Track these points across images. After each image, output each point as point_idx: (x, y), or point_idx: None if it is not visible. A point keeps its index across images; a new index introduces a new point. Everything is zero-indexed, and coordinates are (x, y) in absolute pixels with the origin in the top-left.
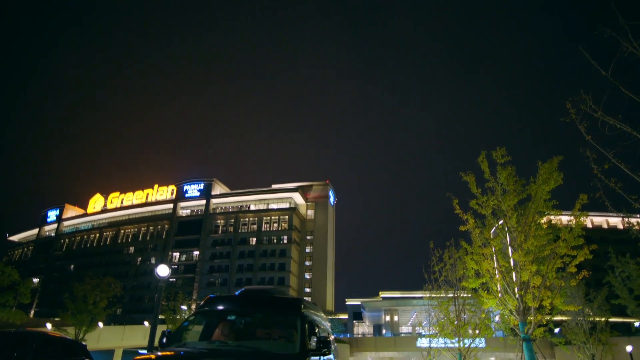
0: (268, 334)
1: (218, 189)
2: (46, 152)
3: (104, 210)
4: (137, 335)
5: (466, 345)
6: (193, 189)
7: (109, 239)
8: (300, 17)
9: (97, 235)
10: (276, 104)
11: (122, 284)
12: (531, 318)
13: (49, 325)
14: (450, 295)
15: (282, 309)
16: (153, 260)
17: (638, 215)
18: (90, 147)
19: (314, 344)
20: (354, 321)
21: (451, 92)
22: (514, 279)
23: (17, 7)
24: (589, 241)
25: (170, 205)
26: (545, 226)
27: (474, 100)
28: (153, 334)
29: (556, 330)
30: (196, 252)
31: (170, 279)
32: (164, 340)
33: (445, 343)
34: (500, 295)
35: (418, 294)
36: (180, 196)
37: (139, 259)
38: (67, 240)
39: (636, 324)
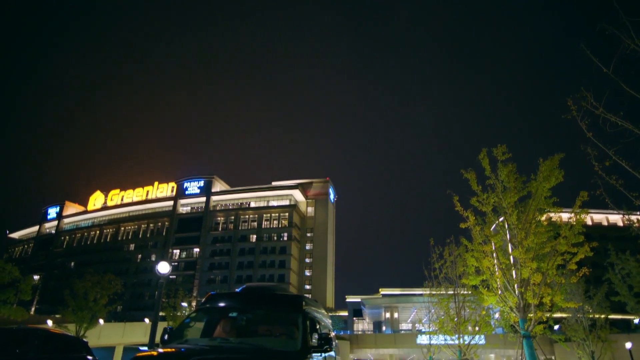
0: (270, 331)
1: (218, 186)
2: (46, 150)
3: (104, 208)
4: (137, 332)
5: (466, 342)
6: (193, 186)
7: (109, 236)
8: (300, 16)
9: (98, 232)
10: (276, 102)
11: (122, 281)
12: (531, 315)
13: (49, 322)
14: (451, 292)
15: (283, 306)
16: (153, 258)
17: (638, 213)
18: (90, 144)
19: (315, 340)
20: (354, 318)
21: (451, 90)
22: (514, 276)
23: (17, 6)
24: (589, 238)
25: (171, 203)
26: (545, 223)
27: (473, 99)
28: (154, 330)
29: (556, 327)
30: (196, 249)
31: (171, 276)
32: (166, 337)
33: (445, 340)
34: (500, 292)
35: (418, 291)
36: (181, 193)
37: (139, 256)
38: (67, 237)
39: (636, 321)
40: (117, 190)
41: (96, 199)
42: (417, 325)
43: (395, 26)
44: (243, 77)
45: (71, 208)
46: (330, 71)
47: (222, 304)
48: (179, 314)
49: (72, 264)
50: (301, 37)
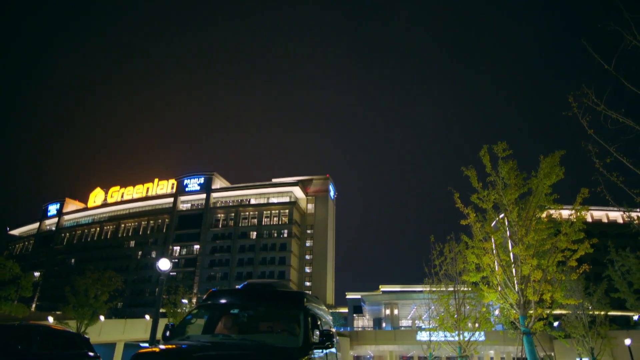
0: (271, 327)
1: (218, 182)
2: (47, 147)
3: (105, 205)
4: (138, 329)
5: (466, 339)
6: (193, 183)
7: (109, 233)
8: (300, 15)
9: (98, 229)
10: (276, 102)
11: (122, 277)
12: (531, 312)
13: (50, 319)
14: (451, 289)
15: (285, 302)
16: (154, 254)
17: (639, 210)
18: (90, 141)
19: (317, 337)
20: (354, 315)
21: (451, 90)
22: (515, 273)
23: (18, 5)
24: (589, 235)
25: (171, 199)
26: (546, 220)
27: (473, 98)
28: (155, 327)
29: (555, 323)
30: (197, 246)
31: (171, 273)
32: (167, 333)
33: (445, 336)
34: (500, 289)
35: (418, 288)
36: (181, 190)
37: (140, 252)
38: (67, 234)
39: (635, 318)
40: (117, 187)
41: (96, 196)
42: (417, 322)
43: (395, 26)
44: (243, 76)
45: (71, 205)
46: (330, 71)
47: (223, 301)
48: (179, 310)
49: (73, 260)
50: (301, 37)
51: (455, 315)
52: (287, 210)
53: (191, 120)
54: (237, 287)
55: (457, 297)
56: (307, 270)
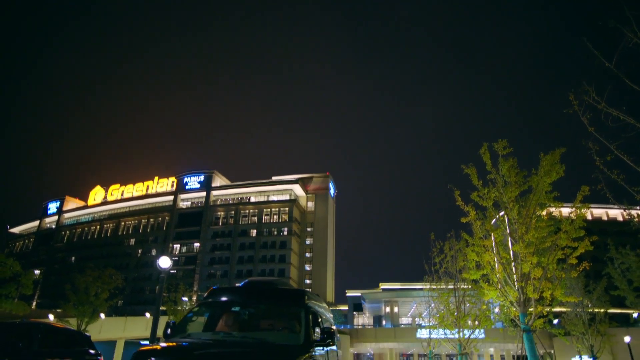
0: (272, 325)
1: (218, 180)
2: (47, 145)
3: (105, 202)
4: (138, 327)
5: (466, 336)
6: (193, 181)
7: (109, 231)
8: (300, 14)
9: (98, 227)
10: (276, 101)
11: (123, 275)
12: (532, 309)
13: (51, 317)
14: (451, 286)
15: (286, 300)
16: (154, 252)
17: (639, 207)
18: (90, 139)
19: (318, 334)
20: (354, 312)
21: (451, 89)
22: (515, 270)
23: (18, 3)
24: (589, 233)
25: (171, 197)
26: (546, 218)
27: (473, 97)
28: (155, 325)
29: (555, 321)
30: (197, 244)
31: (171, 271)
32: (168, 331)
33: (445, 334)
34: (500, 286)
35: (418, 286)
36: (181, 188)
37: (140, 250)
38: (67, 232)
39: (634, 315)
40: (117, 185)
41: (96, 194)
42: (417, 319)
43: (395, 26)
44: (243, 75)
45: (71, 203)
46: (330, 71)
47: (224, 298)
48: (179, 308)
49: (73, 258)
50: (301, 34)
51: (455, 313)
52: (287, 208)
53: (191, 119)
54: (237, 285)
55: (457, 295)
56: (307, 268)
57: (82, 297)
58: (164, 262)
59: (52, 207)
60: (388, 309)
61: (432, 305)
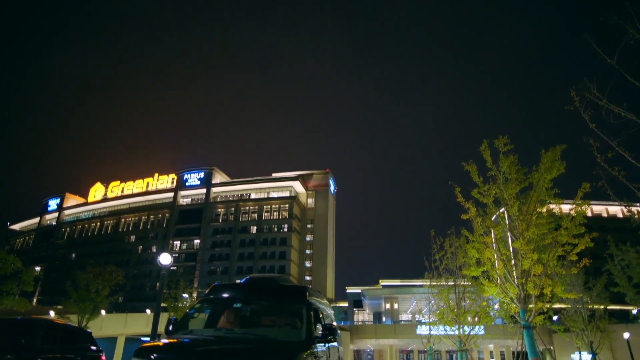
0: (274, 322)
1: (218, 177)
2: (47, 142)
3: (105, 199)
4: (139, 323)
5: (466, 333)
6: (193, 178)
7: (109, 228)
8: (300, 13)
9: (98, 224)
10: (276, 99)
11: (123, 272)
12: (532, 306)
13: (52, 313)
14: (451, 283)
15: (287, 296)
16: (154, 249)
17: (639, 204)
18: (90, 136)
19: (319, 331)
20: (354, 309)
21: (450, 87)
22: (515, 267)
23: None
24: (589, 229)
25: (171, 194)
26: (546, 214)
27: (473, 97)
28: (156, 321)
29: (555, 317)
30: (197, 241)
31: (172, 268)
32: (170, 327)
33: (445, 330)
34: (501, 283)
35: (418, 282)
36: (181, 185)
37: (140, 247)
38: (68, 229)
39: (634, 312)
40: (118, 182)
41: (96, 191)
42: (417, 316)
43: (395, 25)
44: (244, 73)
45: (71, 200)
46: (331, 70)
47: (226, 295)
48: (180, 304)
49: (73, 255)
50: (301, 32)
51: (456, 310)
52: (287, 205)
53: (191, 116)
54: (239, 281)
55: (457, 292)
56: (307, 264)
57: (83, 294)
58: (165, 258)
59: (52, 204)
60: (388, 306)
61: (432, 301)
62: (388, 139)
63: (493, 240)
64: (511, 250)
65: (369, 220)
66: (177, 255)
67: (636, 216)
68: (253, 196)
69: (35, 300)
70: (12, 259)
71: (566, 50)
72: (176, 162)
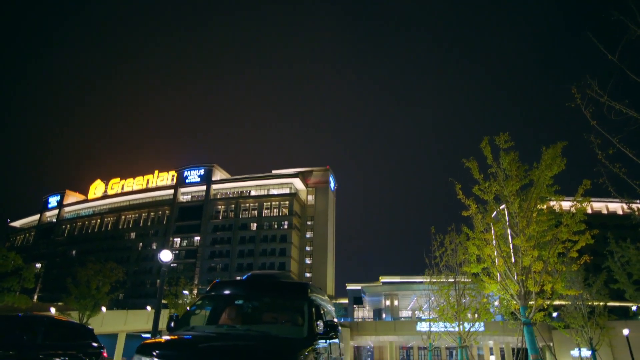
0: (275, 318)
1: (218, 174)
2: (47, 139)
3: (105, 196)
4: (140, 320)
5: (466, 329)
6: (193, 175)
7: (110, 225)
8: (300, 12)
9: (98, 221)
10: (277, 97)
11: (124, 269)
12: (532, 302)
13: (53, 310)
14: (451, 280)
15: (289, 293)
16: (154, 246)
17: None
18: (90, 133)
19: (321, 327)
20: (355, 306)
21: (450, 87)
22: (515, 263)
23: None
24: (589, 226)
25: (171, 191)
26: (547, 211)
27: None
28: (157, 318)
29: (554, 314)
30: (197, 238)
31: (172, 264)
32: (172, 324)
33: (445, 327)
34: (501, 280)
35: (418, 279)
36: (181, 182)
37: (140, 244)
38: (68, 226)
39: (634, 308)
40: (118, 179)
41: (97, 188)
42: (417, 312)
43: (395, 25)
44: (244, 71)
45: (72, 197)
46: (331, 70)
47: (227, 292)
48: (180, 301)
49: (74, 252)
50: (301, 30)
51: (456, 306)
52: (287, 202)
53: (191, 113)
54: (240, 278)
55: (457, 288)
56: (308, 261)
57: (84, 291)
58: (165, 255)
59: (53, 201)
60: (388, 302)
61: (432, 298)
62: (388, 139)
63: (493, 237)
64: (511, 247)
65: (369, 219)
66: (177, 252)
67: (636, 213)
68: (253, 193)
69: (36, 297)
70: (12, 256)
71: (566, 50)
72: (176, 160)
